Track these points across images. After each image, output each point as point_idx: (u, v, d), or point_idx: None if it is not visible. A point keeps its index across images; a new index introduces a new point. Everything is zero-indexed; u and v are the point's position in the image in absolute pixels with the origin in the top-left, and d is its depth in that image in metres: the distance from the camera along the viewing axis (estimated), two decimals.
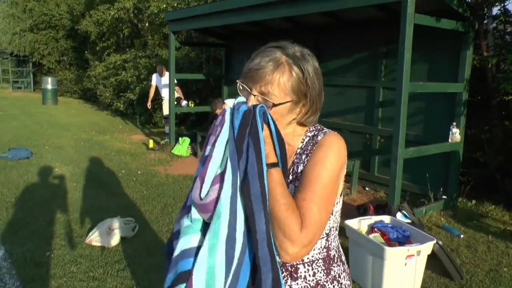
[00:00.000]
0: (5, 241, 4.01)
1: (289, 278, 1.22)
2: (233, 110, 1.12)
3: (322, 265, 1.24)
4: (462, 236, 4.28)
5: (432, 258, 3.29)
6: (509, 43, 5.69)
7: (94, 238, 4.00)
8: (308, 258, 1.24)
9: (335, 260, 1.28)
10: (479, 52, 5.64)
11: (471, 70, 5.06)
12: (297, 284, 1.22)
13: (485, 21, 5.60)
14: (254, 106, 1.09)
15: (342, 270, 1.30)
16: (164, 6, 10.74)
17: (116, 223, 4.12)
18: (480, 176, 5.44)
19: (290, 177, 1.24)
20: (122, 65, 12.99)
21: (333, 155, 1.18)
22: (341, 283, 1.27)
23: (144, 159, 7.68)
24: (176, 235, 1.18)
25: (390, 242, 3.29)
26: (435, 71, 5.28)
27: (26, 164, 6.90)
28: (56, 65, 20.99)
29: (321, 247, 1.26)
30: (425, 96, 5.31)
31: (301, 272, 1.22)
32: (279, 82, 1.15)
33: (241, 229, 1.06)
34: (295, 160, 1.25)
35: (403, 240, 3.32)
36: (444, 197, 5.09)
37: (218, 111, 7.12)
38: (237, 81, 1.22)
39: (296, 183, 1.21)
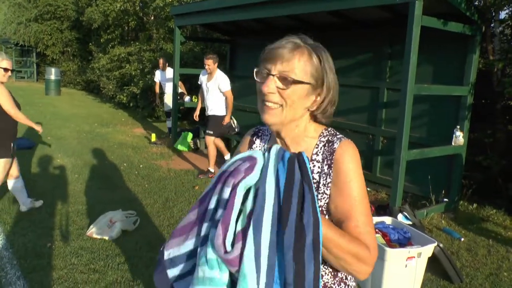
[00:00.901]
0: (7, 231, 4.03)
1: None
2: (269, 156, 1.04)
3: (330, 267, 1.24)
4: (462, 239, 4.28)
5: (432, 261, 3.29)
6: None
7: (96, 231, 4.01)
8: None
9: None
10: (485, 56, 5.63)
11: (477, 74, 5.05)
12: None
13: (492, 25, 5.58)
14: (299, 154, 1.03)
15: None
16: (170, 0, 10.72)
17: (117, 216, 4.13)
18: (483, 180, 5.44)
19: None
20: (126, 58, 12.97)
21: (358, 167, 1.21)
22: (348, 285, 1.27)
23: (146, 152, 7.69)
24: (178, 260, 1.13)
25: (391, 244, 3.29)
26: (441, 73, 5.27)
27: (29, 154, 6.91)
28: (60, 56, 21.00)
29: None
30: (430, 98, 5.30)
31: None
32: (299, 61, 1.16)
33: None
34: (313, 168, 1.23)
35: (404, 241, 3.32)
36: (445, 199, 5.09)
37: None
38: (254, 69, 1.21)
39: (316, 193, 1.16)
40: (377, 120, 5.96)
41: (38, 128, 4.63)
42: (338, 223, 1.17)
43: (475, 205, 5.20)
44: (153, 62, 11.42)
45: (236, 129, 7.63)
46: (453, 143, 4.97)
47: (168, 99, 8.93)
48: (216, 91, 6.29)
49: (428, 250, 3.17)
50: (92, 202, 4.90)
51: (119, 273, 3.35)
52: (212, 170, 6.25)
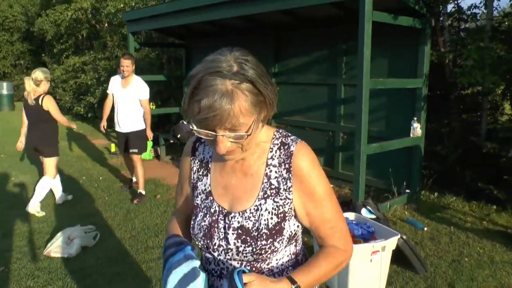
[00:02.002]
0: None
1: None
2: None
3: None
4: (426, 228, 4.35)
5: (397, 253, 3.31)
6: (464, 39, 5.85)
7: (53, 249, 3.83)
8: (278, 268, 1.23)
9: (302, 263, 1.27)
10: (437, 49, 5.76)
11: (430, 66, 5.16)
12: None
13: (441, 18, 5.73)
14: (231, 274, 1.06)
15: None
16: (122, 6, 10.50)
17: (76, 232, 3.97)
18: (441, 169, 5.56)
19: (268, 192, 1.19)
20: (81, 68, 12.62)
21: (319, 168, 1.21)
22: None
23: (106, 164, 7.47)
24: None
25: (354, 239, 3.28)
26: (395, 67, 5.36)
27: None
28: (12, 70, 20.20)
29: (290, 254, 1.26)
30: (386, 92, 5.37)
31: None
32: (240, 111, 1.03)
33: None
34: (270, 173, 1.21)
35: (367, 236, 3.33)
36: (407, 191, 5.17)
37: (179, 136, 6.79)
38: (191, 129, 1.09)
39: (277, 198, 1.19)
40: (336, 116, 6.00)
41: (73, 126, 5.73)
42: (312, 226, 1.22)
43: (436, 194, 5.31)
44: (108, 71, 11.15)
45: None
46: (411, 135, 5.06)
47: None
48: (133, 100, 5.48)
49: (392, 243, 3.18)
50: (50, 220, 4.70)
51: None
52: (143, 193, 5.47)
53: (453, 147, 5.43)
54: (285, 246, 1.22)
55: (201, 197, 1.28)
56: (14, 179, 6.34)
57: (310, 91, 6.29)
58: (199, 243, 1.25)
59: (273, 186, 1.19)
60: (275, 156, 1.21)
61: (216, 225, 1.21)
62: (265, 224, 1.17)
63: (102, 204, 5.26)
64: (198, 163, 1.32)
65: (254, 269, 1.21)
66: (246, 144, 1.11)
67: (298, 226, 1.24)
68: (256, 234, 1.16)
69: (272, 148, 1.22)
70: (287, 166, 1.19)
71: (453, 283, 3.29)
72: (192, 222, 1.28)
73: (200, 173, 1.30)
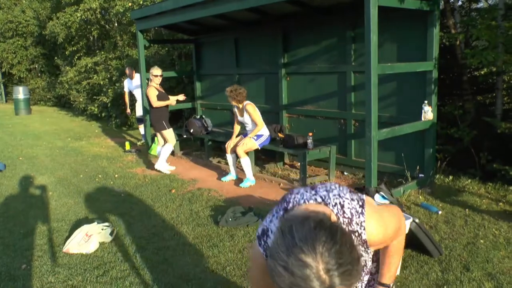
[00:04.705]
0: None
1: None
2: None
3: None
4: (440, 212, 4.32)
5: (411, 237, 3.30)
6: (474, 19, 5.75)
7: (72, 247, 3.92)
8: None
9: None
10: (447, 31, 5.68)
11: (442, 49, 5.09)
12: None
13: (452, 0, 5.64)
14: None
15: None
16: (130, 4, 10.56)
17: (93, 229, 4.05)
18: (456, 152, 5.51)
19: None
20: (93, 68, 12.76)
21: (380, 217, 1.45)
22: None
23: (121, 162, 7.57)
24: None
25: None
26: (405, 52, 5.29)
27: (0, 176, 6.73)
28: (27, 74, 20.52)
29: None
30: (396, 77, 5.33)
31: None
32: None
33: None
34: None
35: None
36: (421, 175, 5.13)
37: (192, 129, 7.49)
38: None
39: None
40: (347, 104, 5.97)
41: (180, 97, 7.13)
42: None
43: (450, 177, 5.26)
44: (120, 70, 11.26)
45: (209, 128, 7.58)
46: (422, 119, 5.01)
47: (139, 106, 8.81)
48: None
49: (405, 226, 3.17)
50: (68, 218, 4.80)
51: (98, 286, 3.28)
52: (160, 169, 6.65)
53: (467, 129, 5.36)
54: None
55: None
56: (33, 181, 6.47)
57: (320, 80, 6.26)
58: None
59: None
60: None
61: None
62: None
63: (118, 200, 5.34)
64: None
65: None
66: None
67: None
68: None
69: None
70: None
71: (468, 265, 3.28)
72: None
73: None
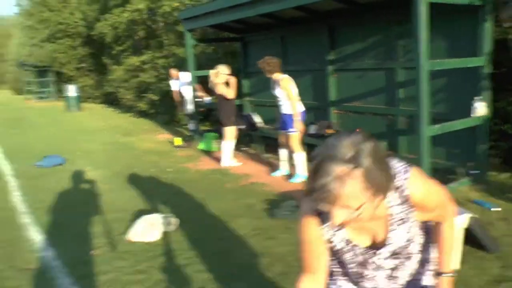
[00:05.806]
0: (52, 243, 4.22)
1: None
2: None
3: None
4: (493, 209, 4.29)
5: (467, 233, 3.33)
6: None
7: (136, 235, 4.16)
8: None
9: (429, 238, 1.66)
10: (500, 24, 5.58)
11: (495, 44, 5.02)
12: None
13: None
14: None
15: None
16: (177, 4, 10.85)
17: (156, 219, 4.28)
18: (509, 147, 5.42)
19: (391, 248, 1.44)
20: (140, 67, 13.19)
21: (427, 183, 1.43)
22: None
23: (172, 156, 7.85)
24: None
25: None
26: (456, 47, 5.25)
27: (61, 170, 7.15)
28: (76, 73, 21.41)
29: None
30: (448, 73, 5.29)
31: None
32: (350, 195, 1.14)
33: None
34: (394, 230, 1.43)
35: None
36: (474, 171, 5.09)
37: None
38: (315, 198, 1.19)
39: (400, 256, 1.47)
40: (395, 100, 5.98)
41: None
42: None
43: (505, 174, 5.19)
44: (166, 68, 11.60)
45: (257, 125, 7.73)
46: (473, 115, 4.97)
47: (189, 103, 9.09)
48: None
49: (462, 221, 3.21)
50: (127, 209, 5.06)
51: (163, 272, 3.50)
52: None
53: None
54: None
55: (341, 245, 1.47)
56: (90, 174, 6.83)
57: (368, 77, 6.29)
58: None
59: (399, 246, 1.44)
60: (396, 213, 1.40)
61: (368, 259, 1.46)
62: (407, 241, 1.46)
63: (173, 193, 5.59)
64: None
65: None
66: (359, 218, 1.22)
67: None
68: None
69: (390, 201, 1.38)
70: (408, 215, 1.41)
71: None
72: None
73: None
